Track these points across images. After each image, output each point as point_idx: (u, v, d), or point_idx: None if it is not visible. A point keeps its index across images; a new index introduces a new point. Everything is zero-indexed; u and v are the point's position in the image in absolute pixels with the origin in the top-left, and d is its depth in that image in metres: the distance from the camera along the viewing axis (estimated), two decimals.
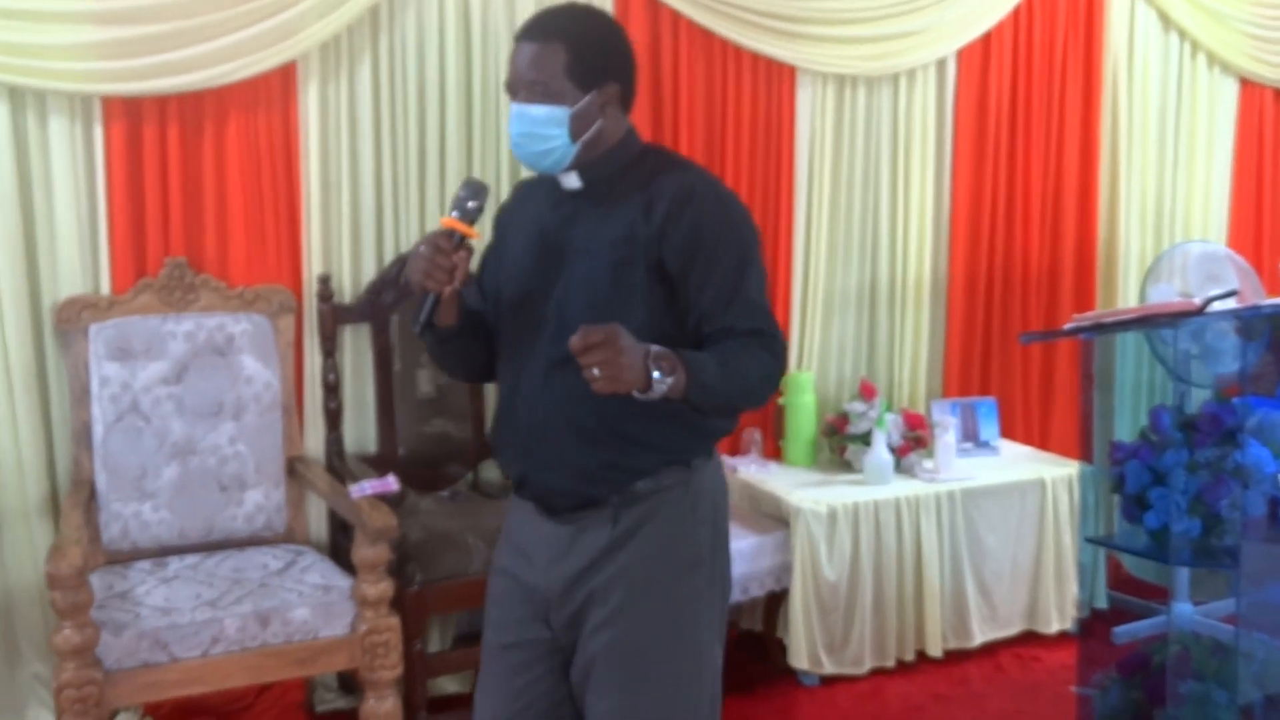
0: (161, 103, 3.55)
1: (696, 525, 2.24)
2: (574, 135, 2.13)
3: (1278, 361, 3.36)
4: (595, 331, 1.90)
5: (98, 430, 3.41)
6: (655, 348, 1.96)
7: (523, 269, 2.23)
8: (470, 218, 2.12)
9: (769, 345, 2.14)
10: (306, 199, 3.76)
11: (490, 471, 4.08)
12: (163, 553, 3.44)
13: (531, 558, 2.25)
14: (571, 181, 2.22)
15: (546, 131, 2.13)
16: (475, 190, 2.15)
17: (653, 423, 2.12)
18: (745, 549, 3.87)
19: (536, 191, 2.31)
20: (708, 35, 4.19)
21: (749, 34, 4.23)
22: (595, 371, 1.90)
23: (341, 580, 3.25)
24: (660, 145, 2.38)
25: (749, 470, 4.27)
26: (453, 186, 3.87)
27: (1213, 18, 5.05)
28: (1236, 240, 5.29)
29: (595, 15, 2.26)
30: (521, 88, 2.14)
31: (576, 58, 2.12)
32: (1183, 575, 3.97)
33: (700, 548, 2.24)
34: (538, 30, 2.15)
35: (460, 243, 2.09)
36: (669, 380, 1.96)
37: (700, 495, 2.24)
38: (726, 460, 4.33)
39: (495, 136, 3.95)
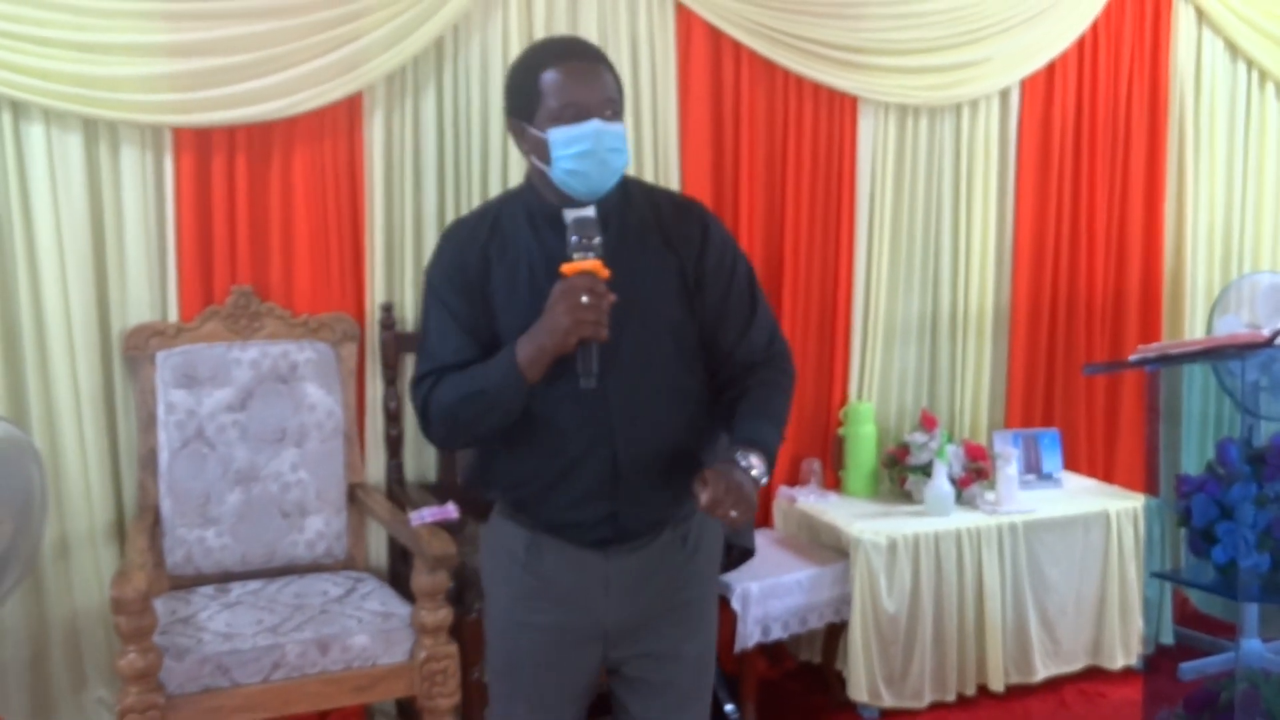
0: (230, 134, 3.60)
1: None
2: None
3: None
4: (716, 486, 1.97)
5: (163, 456, 3.45)
6: (745, 457, 2.06)
7: None
8: (600, 255, 2.04)
9: (786, 369, 2.28)
10: (370, 228, 3.80)
11: None
12: (225, 578, 3.47)
13: (582, 600, 2.21)
14: (582, 213, 2.10)
15: (624, 148, 2.11)
16: (590, 227, 2.05)
17: (704, 441, 2.24)
18: (804, 580, 3.84)
19: (511, 232, 2.16)
20: (769, 65, 4.19)
21: (811, 64, 4.22)
22: (733, 514, 1.98)
23: (401, 607, 3.26)
24: None
25: (808, 501, 4.23)
26: None
27: None
28: None
29: None
30: (603, 105, 2.08)
31: (616, 80, 2.14)
32: (1252, 611, 3.90)
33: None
34: (591, 52, 2.14)
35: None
36: (767, 474, 2.09)
37: None
38: (785, 491, 4.32)
39: None
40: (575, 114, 2.06)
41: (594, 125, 2.06)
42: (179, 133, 3.54)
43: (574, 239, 2.04)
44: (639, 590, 2.22)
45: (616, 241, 2.12)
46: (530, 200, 2.19)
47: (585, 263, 2.02)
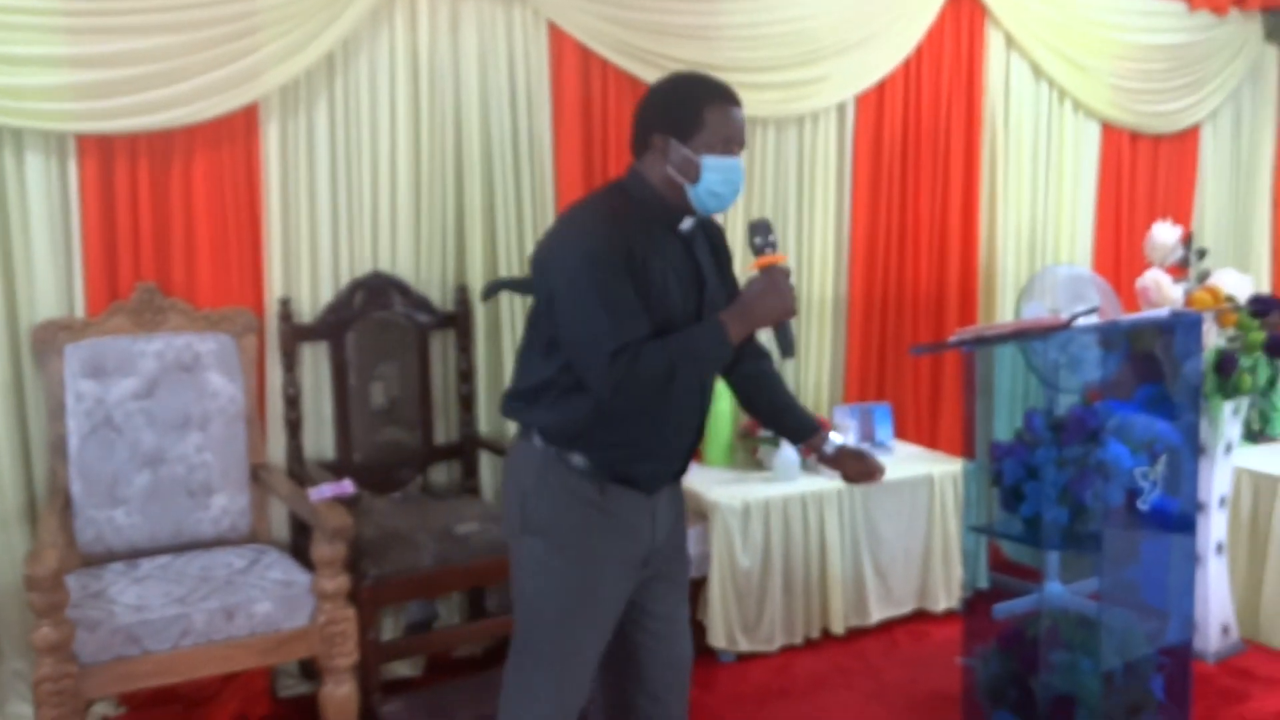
0: (132, 140, 3.45)
1: None
2: None
3: (1134, 370, 3.40)
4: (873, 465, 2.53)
5: (73, 442, 3.30)
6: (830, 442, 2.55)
7: (685, 306, 2.25)
8: (778, 249, 2.27)
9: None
10: (268, 228, 3.68)
11: (438, 475, 4.02)
12: (134, 555, 3.34)
13: (641, 529, 2.33)
14: (689, 224, 2.29)
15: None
16: (765, 227, 2.25)
17: None
18: None
19: (640, 233, 2.20)
20: (635, 81, 4.15)
21: None
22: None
23: (301, 576, 3.17)
24: None
25: None
26: (404, 217, 3.83)
27: (1078, 70, 5.11)
28: (1099, 263, 5.36)
29: None
30: (742, 145, 2.24)
31: None
32: (1053, 558, 4.02)
33: None
34: (741, 101, 2.26)
35: None
36: None
37: None
38: None
39: (441, 173, 3.89)
40: (727, 148, 2.20)
41: (739, 161, 2.22)
42: (82, 140, 3.38)
43: (758, 239, 2.23)
44: (666, 516, 2.38)
45: (695, 248, 2.32)
46: (654, 207, 2.25)
47: (777, 256, 2.22)
